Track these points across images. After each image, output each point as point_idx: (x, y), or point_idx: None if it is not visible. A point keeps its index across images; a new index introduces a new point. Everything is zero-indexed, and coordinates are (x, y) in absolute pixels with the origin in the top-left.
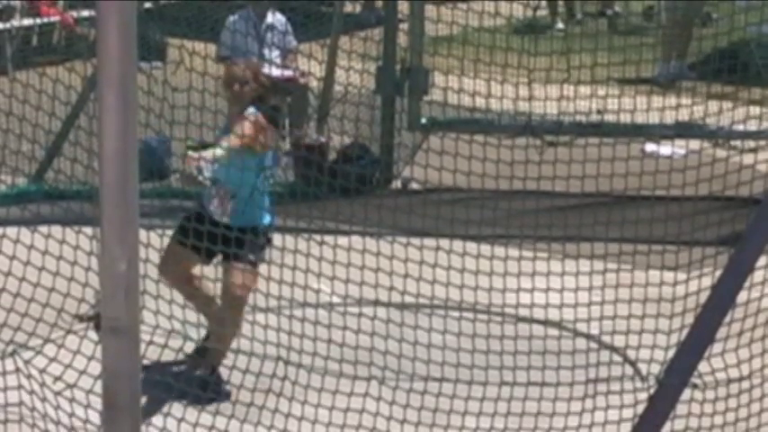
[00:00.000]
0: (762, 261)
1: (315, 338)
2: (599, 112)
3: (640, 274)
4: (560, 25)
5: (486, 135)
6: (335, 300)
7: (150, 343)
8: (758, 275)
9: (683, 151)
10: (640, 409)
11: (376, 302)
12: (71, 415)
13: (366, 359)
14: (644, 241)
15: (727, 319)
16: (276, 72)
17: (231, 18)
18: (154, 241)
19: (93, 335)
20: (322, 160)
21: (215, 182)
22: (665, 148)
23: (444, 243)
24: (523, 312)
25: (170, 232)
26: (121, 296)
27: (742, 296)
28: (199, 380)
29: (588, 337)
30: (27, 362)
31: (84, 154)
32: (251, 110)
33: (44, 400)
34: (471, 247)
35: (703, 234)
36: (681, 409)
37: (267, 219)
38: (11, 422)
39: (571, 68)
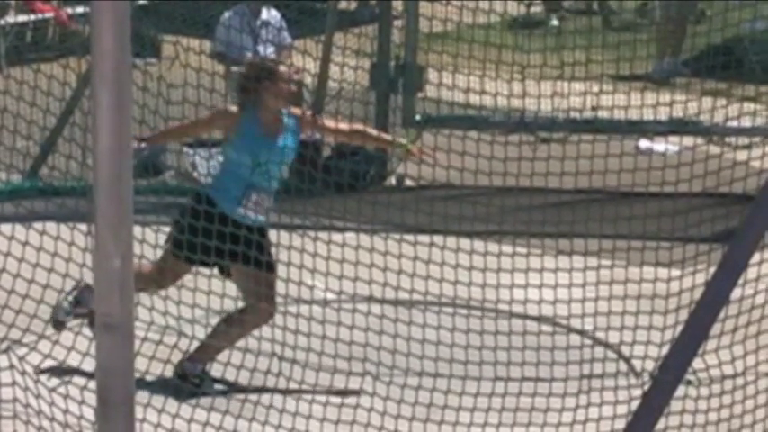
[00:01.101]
0: (755, 258)
1: (309, 334)
2: (593, 108)
3: (634, 271)
4: (555, 22)
5: (479, 132)
6: (330, 296)
7: (144, 339)
8: (752, 272)
9: (676, 148)
10: (634, 405)
11: (370, 299)
12: (65, 411)
13: (360, 355)
14: (637, 238)
15: (721, 315)
16: None
17: (226, 14)
18: (149, 238)
19: (87, 331)
20: (316, 156)
21: (252, 186)
22: (658, 145)
23: (438, 239)
24: (517, 308)
25: (165, 228)
26: (115, 292)
27: (736, 293)
28: (191, 376)
29: (582, 333)
30: (21, 358)
31: (78, 150)
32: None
33: (38, 396)
34: (465, 243)
35: (697, 231)
36: (675, 405)
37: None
38: (5, 419)
39: (565, 65)
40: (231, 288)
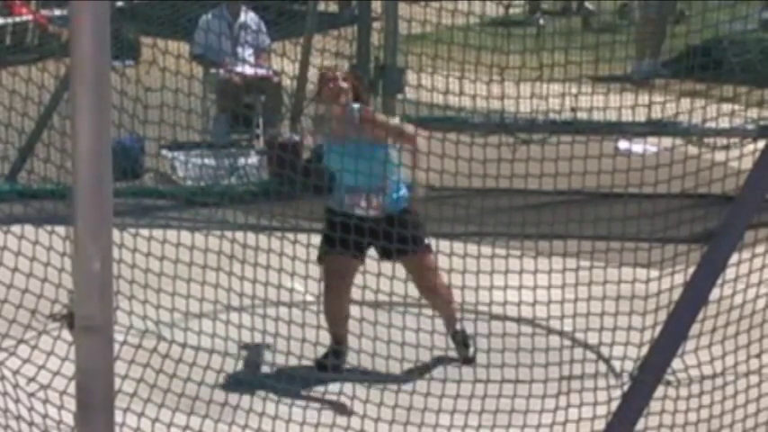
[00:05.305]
0: (734, 258)
1: (288, 337)
2: (572, 109)
3: (613, 272)
4: (541, 21)
5: (459, 133)
6: (309, 298)
7: (124, 343)
8: (731, 272)
9: (655, 149)
10: (614, 406)
11: (350, 301)
12: (45, 416)
13: None
14: (617, 239)
15: (700, 316)
16: (250, 70)
17: (205, 17)
18: (127, 241)
19: (66, 336)
20: (296, 159)
21: (349, 190)
22: (637, 146)
23: None
24: (497, 310)
25: (143, 231)
26: (95, 295)
27: (715, 293)
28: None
29: (562, 334)
30: (0, 363)
31: (57, 154)
32: None
33: (17, 401)
34: (444, 245)
35: (676, 231)
36: (654, 405)
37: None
38: None
39: (544, 66)
40: (209, 291)
